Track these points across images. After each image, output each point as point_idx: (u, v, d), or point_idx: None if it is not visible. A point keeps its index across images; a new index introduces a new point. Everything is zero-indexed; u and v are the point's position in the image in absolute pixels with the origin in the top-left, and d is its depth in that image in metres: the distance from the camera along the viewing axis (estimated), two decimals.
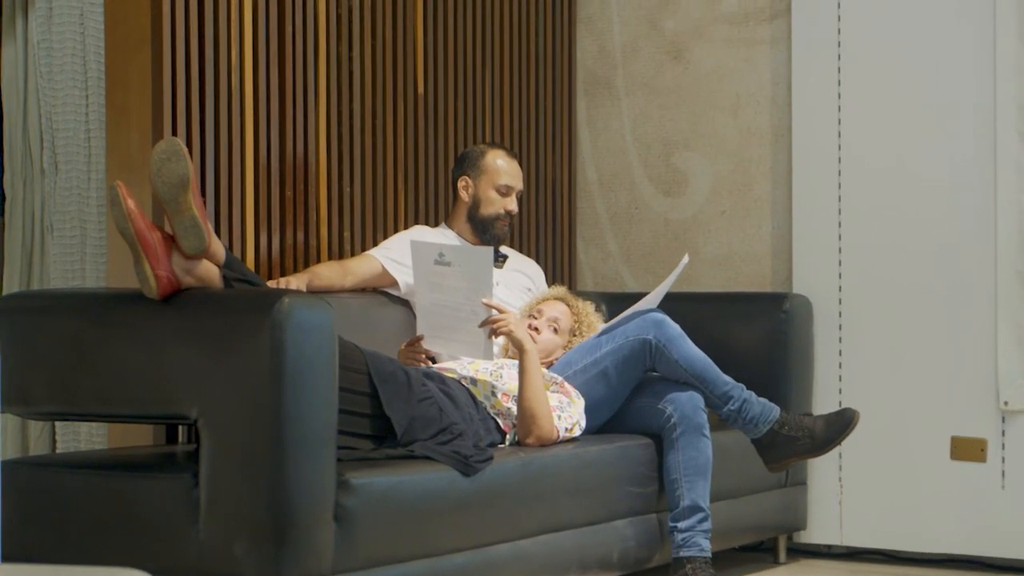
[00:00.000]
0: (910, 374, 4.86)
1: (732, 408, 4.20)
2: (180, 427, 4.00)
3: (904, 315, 4.87)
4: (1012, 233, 4.71)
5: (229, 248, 3.99)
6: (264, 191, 4.27)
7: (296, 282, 4.16)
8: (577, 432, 4.06)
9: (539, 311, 4.40)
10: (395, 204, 4.72)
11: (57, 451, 4.98)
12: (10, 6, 5.05)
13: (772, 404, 4.23)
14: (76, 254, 4.98)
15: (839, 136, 4.99)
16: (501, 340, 4.22)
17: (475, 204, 4.63)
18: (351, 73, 4.56)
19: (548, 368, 4.22)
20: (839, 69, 4.99)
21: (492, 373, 4.03)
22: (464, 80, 5.00)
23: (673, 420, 4.17)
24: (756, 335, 4.87)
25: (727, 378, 4.22)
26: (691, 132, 5.32)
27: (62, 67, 4.96)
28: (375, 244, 4.58)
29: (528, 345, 3.96)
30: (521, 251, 5.07)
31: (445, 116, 4.92)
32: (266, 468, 3.13)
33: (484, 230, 4.62)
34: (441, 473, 3.52)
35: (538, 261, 5.10)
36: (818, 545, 5.04)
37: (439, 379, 3.87)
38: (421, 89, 4.82)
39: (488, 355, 4.05)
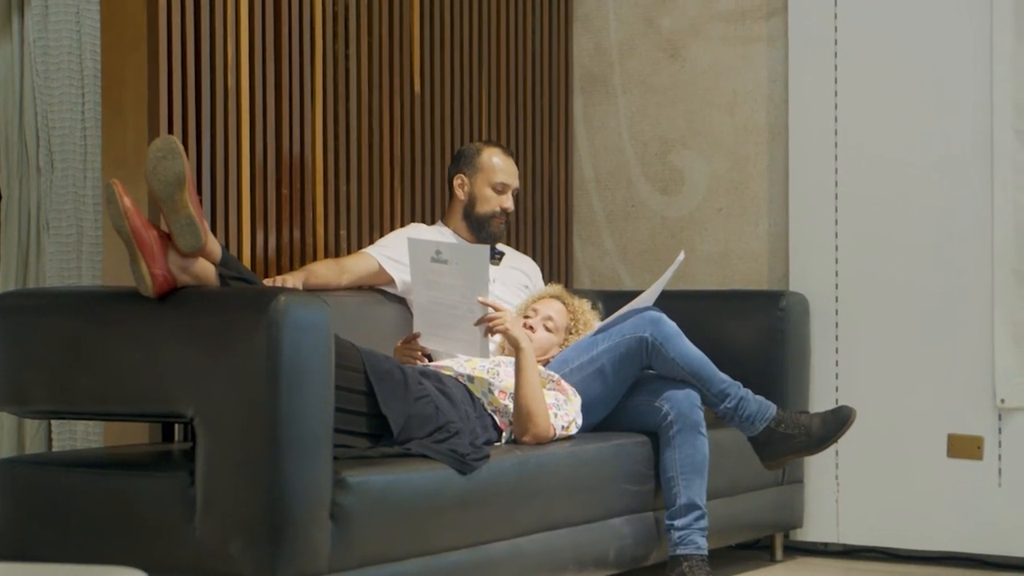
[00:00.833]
0: (907, 372, 4.86)
1: (728, 406, 4.20)
2: (176, 425, 3.99)
3: (901, 313, 4.87)
4: (1009, 231, 4.71)
5: (225, 246, 3.99)
6: (260, 189, 4.27)
7: (292, 280, 4.16)
8: (574, 430, 4.06)
9: (535, 309, 4.40)
10: (391, 202, 4.72)
11: (53, 449, 4.97)
12: (5, 5, 5.04)
13: (768, 402, 4.23)
14: (72, 252, 4.98)
15: (836, 134, 4.98)
16: (498, 338, 4.22)
17: (471, 202, 4.62)
18: (347, 71, 4.56)
19: (544, 366, 4.22)
20: (836, 67, 4.99)
21: (489, 371, 4.03)
22: (460, 78, 5.00)
23: (670, 418, 4.17)
24: (753, 333, 4.87)
25: (723, 376, 4.22)
26: (688, 130, 5.32)
27: (58, 66, 4.96)
28: (371, 242, 4.57)
29: (524, 343, 3.96)
30: (518, 249, 5.06)
31: (441, 114, 4.91)
32: (262, 466, 3.13)
33: (480, 228, 4.62)
34: (438, 471, 3.52)
35: (535, 259, 5.10)
36: (815, 543, 5.05)
37: (436, 377, 3.87)
38: (417, 87, 4.82)
39: (485, 353, 4.05)
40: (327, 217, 4.49)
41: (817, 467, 4.95)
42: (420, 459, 3.54)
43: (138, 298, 3.31)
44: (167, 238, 3.33)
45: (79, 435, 4.90)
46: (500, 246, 4.74)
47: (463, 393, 3.89)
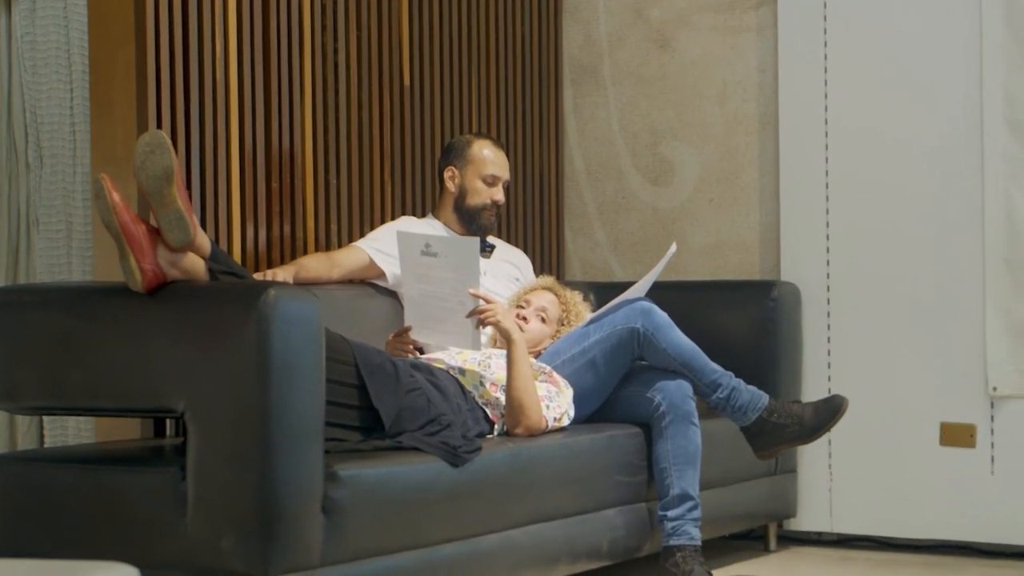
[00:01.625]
0: (899, 361, 4.86)
1: (721, 396, 4.20)
2: (168, 421, 3.99)
3: (893, 302, 4.88)
4: (1000, 220, 4.71)
5: (215, 241, 3.99)
6: (250, 183, 4.26)
7: (283, 274, 4.16)
8: (566, 422, 4.06)
9: (527, 301, 4.39)
10: (382, 195, 4.71)
11: (45, 446, 4.97)
12: None
13: (761, 392, 4.23)
14: (62, 248, 4.97)
15: (826, 123, 4.98)
16: (489, 330, 4.21)
17: (461, 194, 4.62)
18: (336, 64, 4.55)
19: (536, 358, 4.22)
20: (825, 56, 4.99)
21: (480, 363, 4.03)
22: (450, 70, 4.99)
23: (662, 409, 4.17)
24: (745, 323, 4.87)
25: (715, 366, 4.21)
26: (678, 121, 5.32)
27: (46, 61, 4.95)
28: (362, 235, 4.57)
29: (516, 335, 3.96)
30: (509, 241, 5.06)
31: (431, 107, 4.91)
32: (253, 461, 3.12)
33: (471, 220, 4.61)
34: (430, 464, 3.52)
35: (526, 251, 5.09)
36: (808, 532, 5.05)
37: (427, 370, 3.87)
38: (407, 80, 4.81)
39: (476, 345, 4.04)
40: (317, 211, 4.49)
41: (810, 456, 4.95)
42: (412, 452, 3.53)
43: (128, 293, 3.30)
44: (156, 233, 3.32)
45: (71, 431, 4.90)
46: (491, 239, 4.74)
47: (454, 386, 3.89)
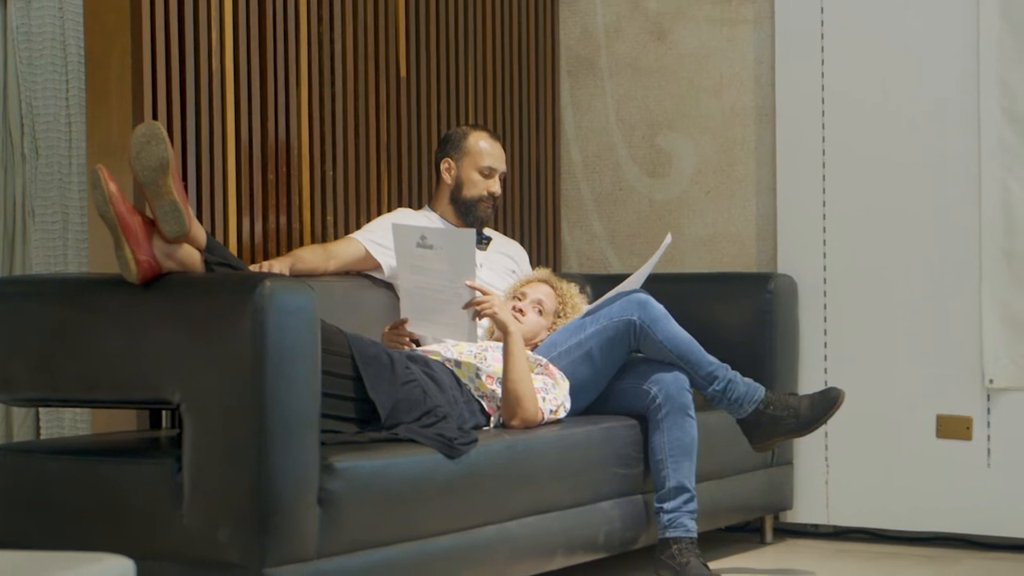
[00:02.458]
0: (895, 353, 4.86)
1: (717, 388, 4.20)
2: (163, 412, 3.98)
3: (889, 294, 4.87)
4: (996, 211, 4.71)
5: (211, 232, 3.98)
6: (246, 175, 4.26)
7: (279, 266, 4.15)
8: (562, 414, 4.06)
9: (523, 293, 4.39)
10: (378, 187, 4.71)
11: (41, 437, 4.97)
12: None
13: (757, 384, 4.22)
14: (58, 240, 4.96)
15: (823, 115, 4.98)
16: (485, 322, 4.21)
17: (458, 186, 4.61)
18: (333, 55, 4.54)
19: (532, 350, 4.21)
20: (822, 48, 4.98)
21: (476, 355, 4.02)
22: (447, 62, 4.98)
23: (658, 401, 4.17)
24: (741, 315, 4.87)
25: (712, 358, 4.21)
26: (675, 113, 5.31)
27: (41, 52, 4.94)
28: (358, 227, 4.56)
29: (512, 327, 3.95)
30: (505, 233, 5.06)
31: (428, 98, 4.90)
32: (249, 452, 3.12)
33: (467, 212, 4.61)
34: (426, 456, 3.52)
35: (522, 243, 5.09)
36: (804, 525, 5.05)
37: (423, 362, 3.86)
38: (403, 71, 4.81)
39: (472, 337, 4.04)
40: (313, 202, 4.48)
41: (806, 449, 4.95)
42: (408, 444, 3.53)
43: (123, 284, 3.29)
44: (152, 224, 3.31)
45: (67, 423, 4.90)
46: (487, 231, 4.73)
47: (450, 378, 3.89)
